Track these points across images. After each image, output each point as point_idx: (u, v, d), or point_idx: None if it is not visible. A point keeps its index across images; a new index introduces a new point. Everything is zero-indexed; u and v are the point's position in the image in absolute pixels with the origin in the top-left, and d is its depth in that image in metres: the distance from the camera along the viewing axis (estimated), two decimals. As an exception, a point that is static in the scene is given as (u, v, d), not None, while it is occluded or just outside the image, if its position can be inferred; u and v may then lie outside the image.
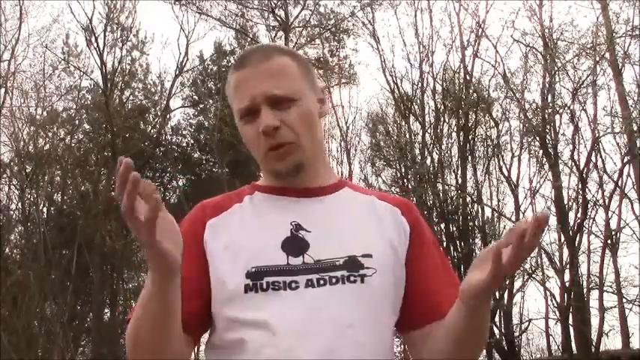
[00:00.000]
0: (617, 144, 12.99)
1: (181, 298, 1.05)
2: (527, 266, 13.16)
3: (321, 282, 1.10)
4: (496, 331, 13.28)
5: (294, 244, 1.13)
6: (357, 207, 1.22)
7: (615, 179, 12.66)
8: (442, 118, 14.77)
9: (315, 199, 1.20)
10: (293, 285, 1.09)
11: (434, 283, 1.20)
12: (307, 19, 16.38)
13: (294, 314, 1.07)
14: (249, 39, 17.53)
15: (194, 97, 19.76)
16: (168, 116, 18.81)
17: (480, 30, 14.14)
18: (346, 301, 1.10)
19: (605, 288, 12.31)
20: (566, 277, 12.12)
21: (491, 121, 14.48)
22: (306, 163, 1.18)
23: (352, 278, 1.11)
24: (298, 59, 1.23)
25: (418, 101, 15.20)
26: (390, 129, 16.35)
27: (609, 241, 12.55)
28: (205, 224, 1.17)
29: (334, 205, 1.21)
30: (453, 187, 14.48)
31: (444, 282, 1.21)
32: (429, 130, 14.83)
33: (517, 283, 13.65)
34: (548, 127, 12.82)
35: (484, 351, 14.07)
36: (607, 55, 12.42)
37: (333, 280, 1.11)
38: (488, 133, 14.80)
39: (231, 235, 1.15)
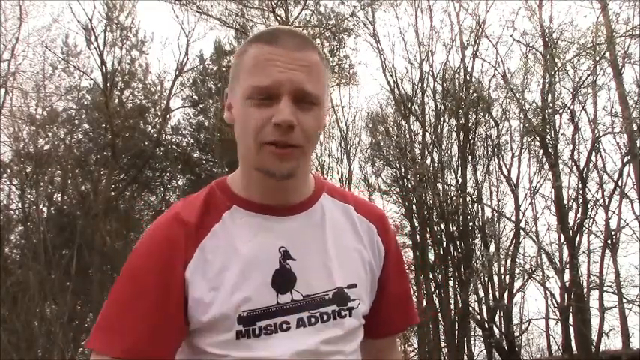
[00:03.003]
0: (617, 144, 13.00)
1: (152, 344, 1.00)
2: (527, 266, 13.18)
3: (312, 320, 1.08)
4: (496, 331, 13.29)
5: (283, 278, 1.07)
6: (337, 222, 1.17)
7: (615, 179, 12.66)
8: (442, 118, 14.78)
9: (297, 216, 1.13)
10: (284, 326, 1.06)
11: (399, 300, 1.25)
12: (307, 18, 16.39)
13: (288, 357, 1.04)
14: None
15: (194, 97, 19.77)
16: (168, 116, 18.82)
17: (480, 30, 14.14)
18: (338, 338, 1.10)
19: (605, 288, 12.30)
20: (566, 277, 12.12)
21: (491, 121, 14.48)
22: (298, 172, 1.10)
23: (342, 313, 1.11)
24: (325, 62, 1.12)
25: (418, 101, 15.21)
26: (390, 129, 16.36)
27: (609, 241, 12.54)
28: (185, 258, 1.05)
29: (316, 223, 1.14)
30: (453, 187, 14.48)
31: (406, 299, 1.28)
32: (429, 130, 14.84)
33: (517, 283, 13.67)
34: (548, 127, 12.82)
35: (484, 351, 14.09)
36: (607, 55, 12.41)
37: (325, 317, 1.09)
38: (488, 133, 14.80)
39: (218, 273, 1.05)
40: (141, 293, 1.03)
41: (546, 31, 13.19)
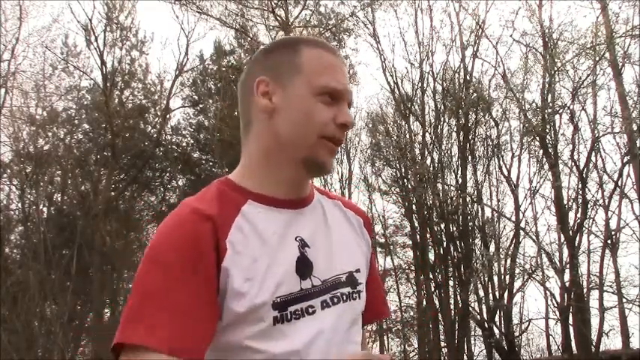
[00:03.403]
0: (617, 144, 13.01)
1: (189, 329, 1.01)
2: (527, 266, 13.18)
3: (335, 300, 1.15)
4: (496, 331, 13.29)
5: (304, 265, 1.13)
6: (333, 215, 1.25)
7: (615, 179, 12.66)
8: (442, 118, 14.78)
9: (304, 209, 1.20)
10: (310, 310, 1.11)
11: (377, 289, 1.33)
12: (307, 19, 16.40)
13: (318, 339, 1.10)
14: (249, 39, 17.53)
15: (194, 97, 19.77)
16: (168, 116, 18.82)
17: (480, 30, 14.15)
18: (354, 319, 1.19)
19: (605, 288, 12.30)
20: (566, 277, 12.12)
21: (491, 121, 14.49)
22: None
23: (354, 295, 1.19)
24: None
25: (418, 101, 15.21)
26: (390, 129, 16.37)
27: (609, 241, 12.54)
28: (217, 250, 1.07)
29: (319, 215, 1.22)
30: (453, 187, 14.48)
31: (381, 288, 1.38)
32: (429, 130, 14.84)
33: (517, 283, 13.67)
34: (548, 127, 12.82)
35: (484, 351, 14.09)
36: (607, 55, 12.42)
37: (344, 297, 1.17)
38: (488, 133, 14.81)
39: (251, 265, 1.08)
40: (178, 285, 1.02)
41: (546, 31, 13.21)
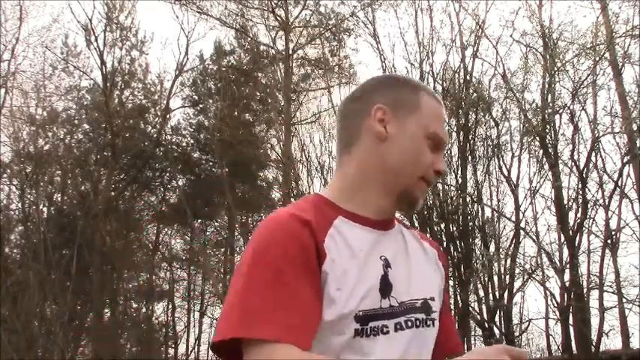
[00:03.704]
0: (617, 144, 12.99)
1: (305, 319, 1.05)
2: (527, 266, 13.18)
3: (409, 324, 1.16)
4: (496, 331, 13.28)
5: (386, 285, 1.16)
6: (412, 243, 1.29)
7: (615, 179, 12.65)
8: (442, 118, 14.76)
9: (389, 232, 1.25)
10: (384, 330, 1.12)
11: (449, 324, 1.34)
12: (307, 19, 16.41)
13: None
14: (249, 39, 17.54)
15: (194, 97, 19.78)
16: (168, 116, 18.82)
17: (480, 30, 14.15)
18: (426, 345, 1.20)
19: (605, 288, 12.29)
20: (566, 277, 12.12)
21: (491, 121, 14.48)
22: None
23: (428, 322, 1.21)
24: None
25: (418, 101, 15.19)
26: (390, 129, 16.36)
27: (609, 241, 12.54)
28: (317, 254, 1.11)
29: (400, 240, 1.27)
30: (453, 187, 14.47)
31: (453, 323, 1.39)
32: (429, 130, 14.82)
33: (517, 283, 13.67)
34: (548, 127, 12.81)
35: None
36: (607, 55, 12.42)
37: (417, 323, 1.18)
38: (488, 133, 14.79)
39: (342, 275, 1.12)
40: (288, 280, 1.06)
41: (546, 31, 13.20)
